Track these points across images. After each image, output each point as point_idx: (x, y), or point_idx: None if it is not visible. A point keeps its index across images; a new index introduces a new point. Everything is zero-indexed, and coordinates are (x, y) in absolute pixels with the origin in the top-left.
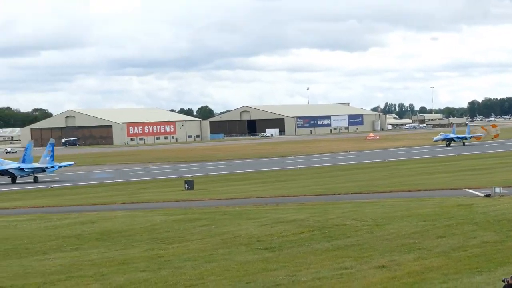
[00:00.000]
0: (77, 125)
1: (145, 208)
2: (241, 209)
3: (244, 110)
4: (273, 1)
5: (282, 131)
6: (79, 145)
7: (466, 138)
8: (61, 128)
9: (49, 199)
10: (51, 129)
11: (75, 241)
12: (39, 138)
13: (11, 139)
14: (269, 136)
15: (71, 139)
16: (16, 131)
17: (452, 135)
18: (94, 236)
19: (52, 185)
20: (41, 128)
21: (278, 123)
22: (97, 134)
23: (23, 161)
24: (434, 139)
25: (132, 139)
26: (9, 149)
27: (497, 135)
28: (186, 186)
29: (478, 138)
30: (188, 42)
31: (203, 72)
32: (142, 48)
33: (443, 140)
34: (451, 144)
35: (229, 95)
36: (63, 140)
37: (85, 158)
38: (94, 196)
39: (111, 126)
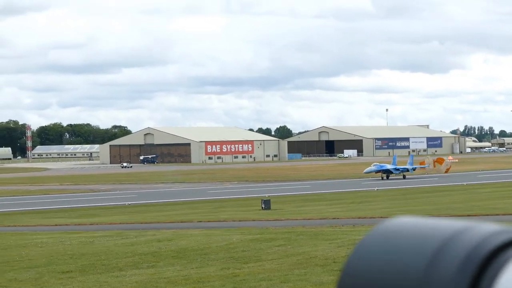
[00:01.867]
0: (155, 142)
1: (222, 227)
2: (317, 229)
3: (322, 131)
4: (355, 22)
5: (360, 152)
6: (157, 162)
7: None
8: (140, 145)
9: (127, 216)
10: (130, 146)
11: (151, 258)
12: (118, 155)
13: (90, 156)
14: (347, 157)
15: (150, 156)
16: (95, 147)
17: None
18: (170, 253)
19: (129, 202)
20: (120, 145)
21: (356, 144)
22: (175, 152)
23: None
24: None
25: (210, 158)
26: (125, 164)
27: None
28: (263, 206)
29: None
30: (268, 61)
31: (282, 91)
32: (222, 67)
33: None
34: None
35: (307, 115)
36: (141, 157)
37: (163, 176)
38: (171, 214)
39: (189, 144)
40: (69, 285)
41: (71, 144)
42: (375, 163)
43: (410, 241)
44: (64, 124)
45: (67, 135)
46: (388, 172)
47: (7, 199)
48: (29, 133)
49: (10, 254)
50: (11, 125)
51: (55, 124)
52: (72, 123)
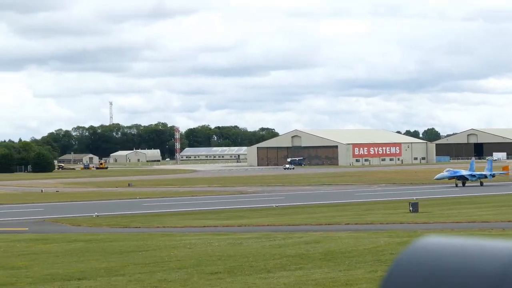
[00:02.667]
0: (303, 145)
1: (369, 230)
2: (465, 233)
3: (471, 133)
4: (504, 23)
5: (509, 154)
6: (304, 164)
7: None
8: (287, 147)
9: (274, 218)
10: (277, 148)
11: (299, 260)
12: (265, 157)
13: (237, 158)
14: (496, 160)
15: (297, 158)
16: (243, 149)
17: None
18: (318, 256)
19: (276, 204)
20: (267, 148)
21: (506, 147)
22: (322, 154)
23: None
24: None
25: (357, 160)
26: (287, 166)
27: None
28: (411, 209)
29: None
30: (416, 63)
31: (430, 94)
32: (369, 69)
33: None
34: None
35: (456, 118)
36: (288, 160)
37: (310, 178)
38: (319, 216)
39: (336, 146)
40: (217, 286)
41: (219, 146)
42: (448, 169)
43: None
44: (212, 126)
45: (215, 137)
46: (463, 178)
47: (156, 201)
48: (177, 135)
49: (159, 255)
50: (160, 127)
51: (203, 127)
52: (220, 126)
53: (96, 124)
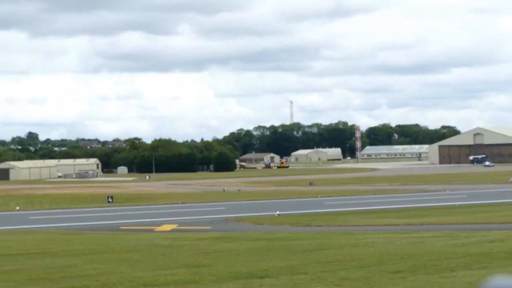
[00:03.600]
0: (485, 142)
1: None
2: None
3: None
4: None
5: None
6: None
7: None
8: (469, 145)
9: (457, 216)
10: (459, 146)
11: (483, 259)
12: (447, 156)
13: (418, 156)
14: None
15: (479, 156)
16: (424, 148)
17: None
18: (502, 255)
19: (459, 203)
20: (448, 146)
21: None
22: (505, 152)
23: None
24: None
25: None
26: (487, 163)
27: None
28: None
29: None
30: None
31: None
32: None
33: None
34: None
35: None
36: (470, 158)
37: (495, 176)
38: (504, 215)
39: None
40: (400, 285)
41: (399, 144)
42: None
43: None
44: (393, 124)
45: (396, 135)
46: None
47: (337, 199)
48: (358, 134)
49: (341, 253)
50: (341, 126)
51: (383, 125)
52: (401, 124)
53: (276, 123)
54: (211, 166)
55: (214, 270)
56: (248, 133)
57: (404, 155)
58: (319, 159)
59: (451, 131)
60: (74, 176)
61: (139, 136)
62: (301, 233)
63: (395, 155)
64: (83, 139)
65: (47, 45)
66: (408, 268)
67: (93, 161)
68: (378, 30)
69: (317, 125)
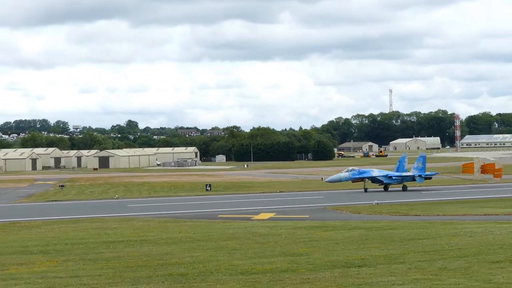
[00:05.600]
0: None
1: None
2: None
3: None
4: None
5: None
6: None
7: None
8: None
9: None
10: None
11: None
12: None
13: None
14: None
15: None
16: None
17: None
18: None
19: None
20: None
21: None
22: None
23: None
24: None
25: None
26: None
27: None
28: None
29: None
30: None
31: None
32: None
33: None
34: None
35: None
36: None
37: None
38: None
39: None
40: (498, 275)
41: (499, 133)
42: (351, 168)
43: None
44: (493, 113)
45: (496, 124)
46: (375, 180)
47: (436, 188)
48: (458, 123)
49: (439, 243)
50: (440, 114)
51: (484, 114)
52: (501, 113)
53: (375, 112)
54: (309, 155)
55: (311, 259)
56: (347, 121)
57: (504, 144)
58: (418, 148)
59: None
60: (172, 164)
61: (237, 124)
62: (398, 222)
63: (495, 144)
64: (182, 128)
65: (148, 34)
66: (508, 258)
67: (192, 149)
68: (481, 18)
69: (416, 114)
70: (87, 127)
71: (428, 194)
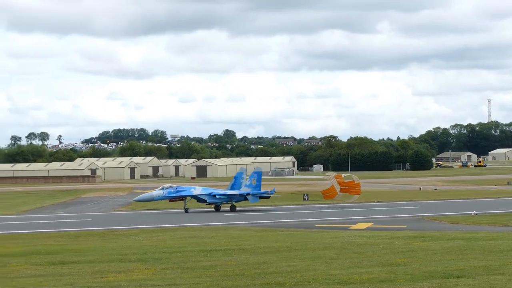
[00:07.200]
0: None
1: None
2: None
3: None
4: None
5: None
6: None
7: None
8: None
9: None
10: None
11: None
12: None
13: None
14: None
15: None
16: None
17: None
18: None
19: None
20: None
21: None
22: None
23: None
24: None
25: None
26: None
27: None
28: None
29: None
30: None
31: None
32: None
33: None
34: None
35: None
36: None
37: None
38: None
39: None
40: None
41: None
42: (168, 185)
43: None
44: None
45: None
46: (200, 200)
47: None
48: None
49: None
50: None
51: None
52: None
53: (474, 121)
54: (407, 165)
55: (409, 269)
56: (445, 131)
57: None
58: None
59: None
60: (270, 173)
61: (335, 134)
62: (498, 233)
63: None
64: (279, 137)
65: (247, 44)
66: None
67: (289, 158)
68: None
69: None
70: (185, 136)
71: None
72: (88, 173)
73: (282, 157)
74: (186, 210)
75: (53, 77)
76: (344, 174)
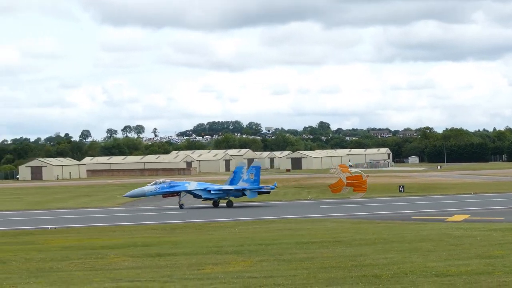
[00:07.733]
0: None
1: None
2: None
3: None
4: None
5: None
6: None
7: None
8: None
9: None
10: None
11: None
12: None
13: None
14: None
15: None
16: None
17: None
18: None
19: None
20: None
21: None
22: None
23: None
24: None
25: None
26: None
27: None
28: None
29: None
30: None
31: None
32: None
33: None
34: None
35: None
36: None
37: None
38: None
39: None
40: None
41: None
42: (160, 180)
43: None
44: None
45: None
46: (195, 195)
47: None
48: None
49: None
50: None
51: None
52: None
53: None
54: (504, 156)
55: (508, 262)
56: None
57: None
58: None
59: None
60: (365, 165)
61: (430, 125)
62: None
63: None
64: (374, 129)
65: (341, 36)
66: None
67: (384, 150)
68: None
69: None
70: (279, 128)
71: None
72: (184, 165)
73: (377, 149)
74: (181, 206)
75: (147, 70)
76: (350, 163)
